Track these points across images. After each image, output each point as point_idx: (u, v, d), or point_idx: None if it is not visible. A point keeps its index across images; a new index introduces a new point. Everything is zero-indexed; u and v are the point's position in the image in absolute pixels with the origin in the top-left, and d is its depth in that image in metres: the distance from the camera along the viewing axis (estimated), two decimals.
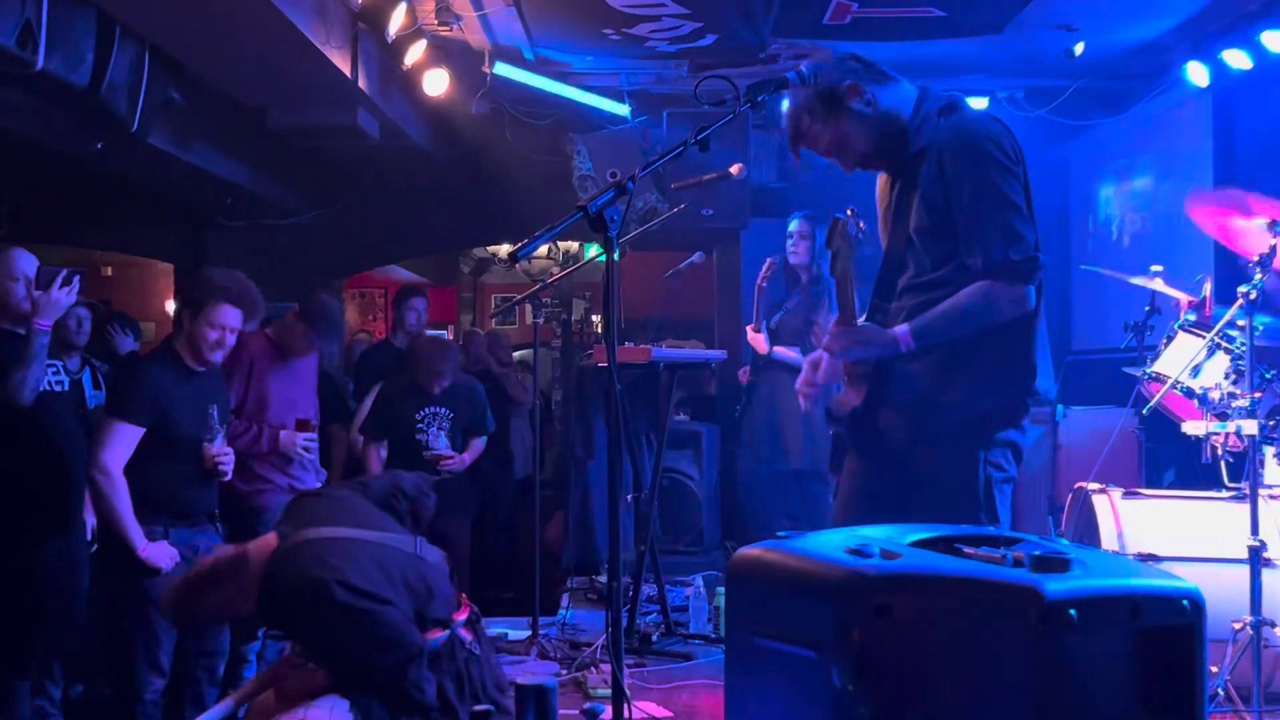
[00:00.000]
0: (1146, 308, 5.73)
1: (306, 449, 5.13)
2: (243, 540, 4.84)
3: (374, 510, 3.42)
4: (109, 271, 12.29)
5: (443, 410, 5.87)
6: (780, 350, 6.26)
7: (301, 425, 5.09)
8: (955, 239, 3.11)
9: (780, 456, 6.24)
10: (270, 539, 3.30)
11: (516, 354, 9.45)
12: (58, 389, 4.54)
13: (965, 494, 3.10)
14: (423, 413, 5.85)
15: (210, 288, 4.22)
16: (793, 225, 6.42)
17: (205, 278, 4.30)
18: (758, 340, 6.20)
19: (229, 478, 4.39)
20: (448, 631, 3.27)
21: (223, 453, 4.29)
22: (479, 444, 6.03)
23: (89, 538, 4.77)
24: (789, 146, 3.35)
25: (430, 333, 7.88)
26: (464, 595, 3.47)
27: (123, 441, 4.07)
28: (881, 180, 3.44)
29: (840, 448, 3.45)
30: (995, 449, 3.14)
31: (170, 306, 11.10)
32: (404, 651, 3.10)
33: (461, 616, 3.36)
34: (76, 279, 4.21)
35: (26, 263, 4.28)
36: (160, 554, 4.10)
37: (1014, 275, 3.06)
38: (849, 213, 3.23)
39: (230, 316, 4.24)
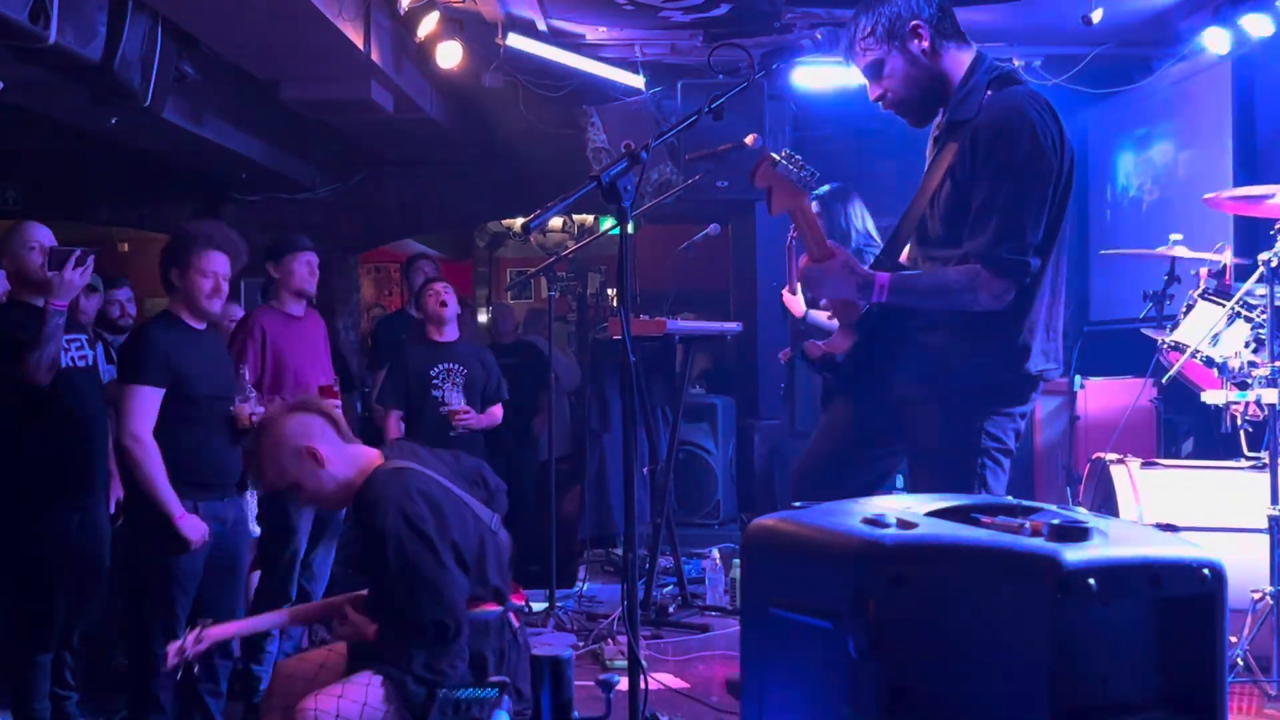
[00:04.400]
0: (1165, 276, 5.69)
1: None
2: (271, 517, 4.92)
3: (461, 477, 3.48)
4: (125, 247, 12.32)
5: (456, 366, 5.86)
6: (814, 314, 6.13)
7: (324, 391, 5.08)
8: (967, 216, 3.08)
9: None
10: (374, 453, 3.38)
11: None
12: (81, 364, 4.54)
13: (960, 458, 3.10)
14: (436, 369, 5.83)
15: (192, 238, 4.19)
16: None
17: (185, 232, 4.27)
18: (793, 303, 6.08)
19: None
20: (502, 609, 3.32)
21: (255, 412, 4.27)
22: (496, 410, 6.00)
23: (112, 511, 4.79)
24: (845, 49, 3.26)
25: None
26: (516, 584, 3.51)
27: (146, 405, 4.04)
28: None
29: (827, 396, 3.50)
30: (996, 420, 3.12)
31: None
32: (446, 614, 3.13)
33: (518, 601, 3.41)
34: (90, 259, 4.21)
35: (42, 234, 4.29)
36: (193, 526, 4.09)
37: (1001, 269, 3.02)
38: (783, 153, 3.17)
39: (218, 262, 4.20)
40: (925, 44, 3.12)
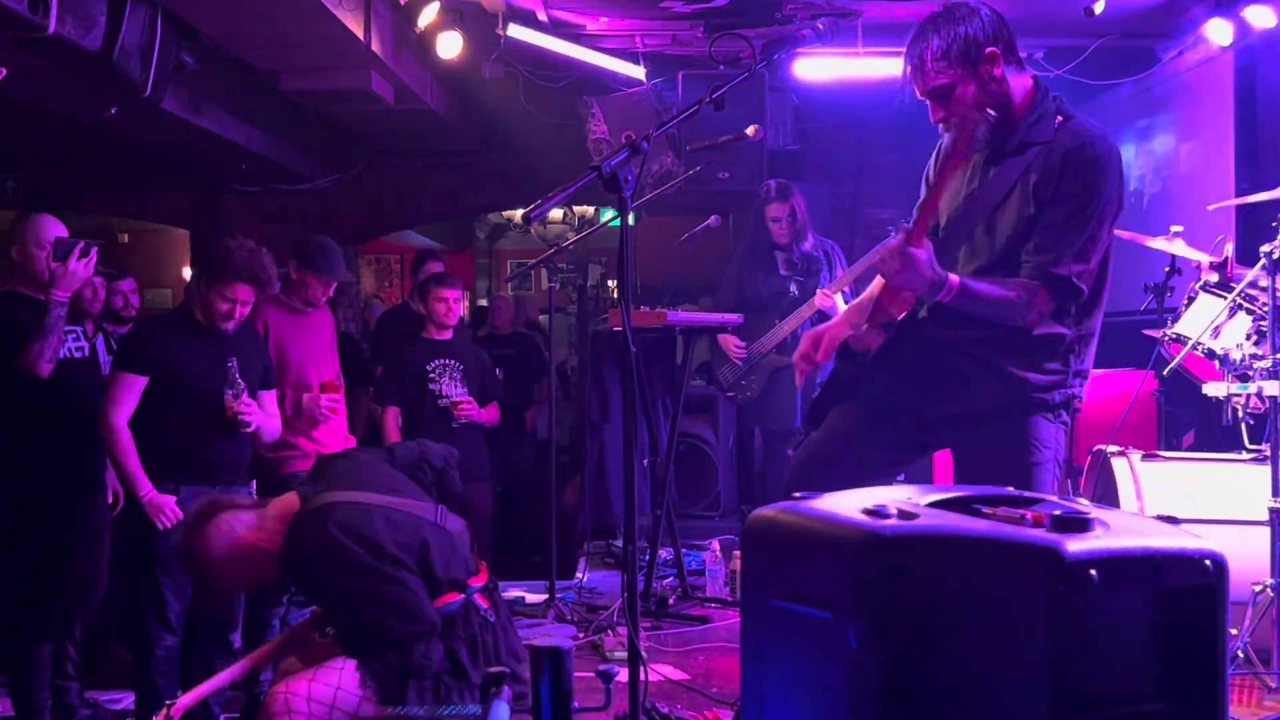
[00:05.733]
0: (1166, 268, 5.67)
1: (332, 410, 5.11)
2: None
3: (398, 475, 3.46)
4: (125, 239, 12.32)
5: (452, 361, 5.87)
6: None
7: (325, 386, 5.08)
8: (1033, 233, 3.09)
9: None
10: (292, 500, 3.34)
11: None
12: (78, 355, 4.55)
13: (1014, 463, 3.10)
14: (433, 364, 5.84)
15: (226, 264, 4.23)
16: (770, 210, 6.19)
17: (224, 252, 4.29)
18: (832, 303, 5.99)
19: (251, 429, 4.39)
20: (463, 597, 3.29)
21: (244, 404, 4.30)
22: (495, 409, 6.02)
23: (110, 500, 4.80)
24: (909, 73, 3.15)
25: None
26: (482, 562, 3.49)
27: (126, 393, 4.16)
28: (951, 154, 3.29)
29: (835, 393, 3.38)
30: (1050, 424, 3.16)
31: (187, 273, 11.12)
32: (418, 624, 3.13)
33: (477, 583, 3.38)
34: (94, 251, 4.21)
35: (57, 230, 4.30)
36: (159, 506, 4.12)
37: (1057, 290, 3.05)
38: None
39: (244, 293, 4.28)
40: (998, 70, 3.08)
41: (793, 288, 6.17)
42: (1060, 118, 3.12)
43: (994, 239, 3.16)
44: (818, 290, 5.98)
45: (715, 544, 5.77)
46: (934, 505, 2.20)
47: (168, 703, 3.31)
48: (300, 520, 3.21)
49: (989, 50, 3.06)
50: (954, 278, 3.05)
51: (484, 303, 11.90)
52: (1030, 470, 3.10)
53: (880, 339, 3.25)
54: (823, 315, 5.84)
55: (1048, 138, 3.09)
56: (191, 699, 3.44)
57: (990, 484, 2.66)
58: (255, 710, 4.64)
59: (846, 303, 5.86)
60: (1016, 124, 3.14)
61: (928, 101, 3.16)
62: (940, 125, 3.20)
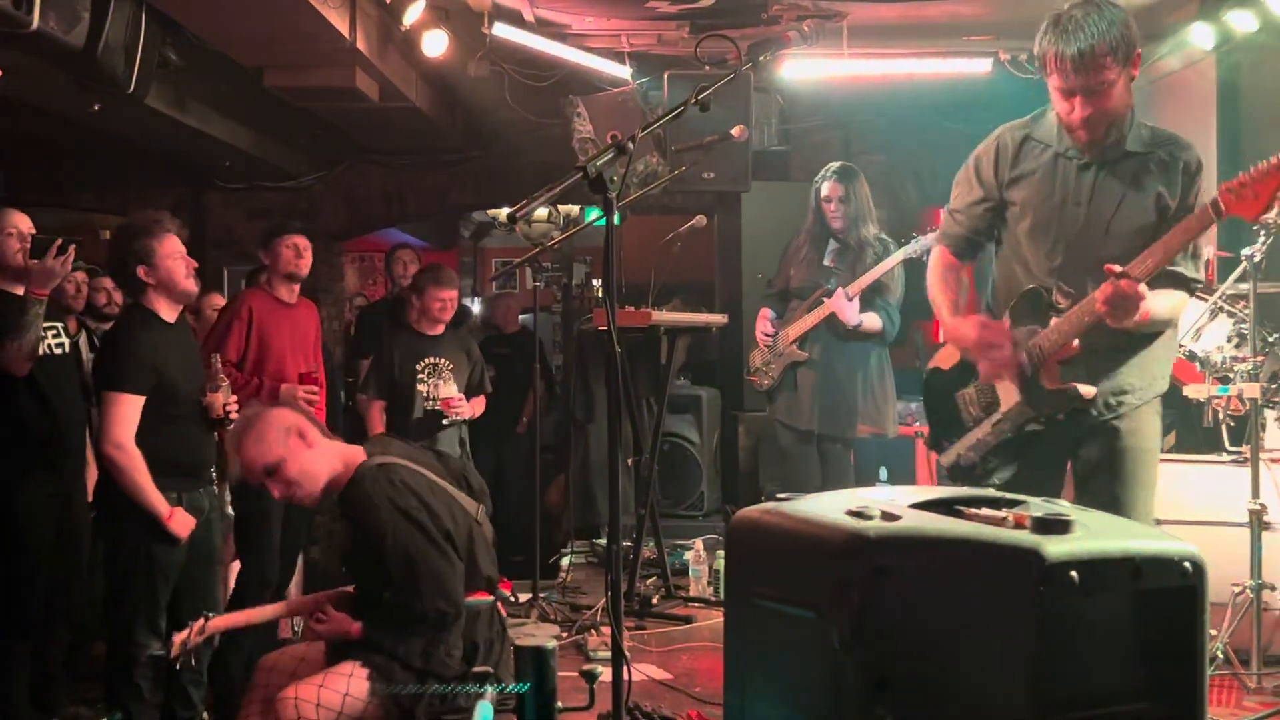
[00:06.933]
0: None
1: (310, 401, 5.09)
2: (249, 502, 4.89)
3: (447, 473, 3.51)
4: (107, 235, 12.24)
5: (442, 360, 5.86)
6: (869, 319, 5.83)
7: (304, 378, 5.06)
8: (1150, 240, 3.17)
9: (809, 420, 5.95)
10: (358, 450, 3.41)
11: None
12: (58, 351, 4.52)
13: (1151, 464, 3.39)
14: (423, 362, 5.83)
15: (147, 228, 4.12)
16: (824, 187, 5.86)
17: (136, 226, 4.18)
18: (848, 309, 5.70)
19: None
20: (492, 598, 3.35)
21: (231, 399, 4.27)
22: (479, 402, 6.01)
23: (88, 499, 4.77)
24: (1067, 58, 3.11)
25: None
26: (501, 575, 3.55)
27: (128, 412, 4.00)
28: (1009, 153, 3.44)
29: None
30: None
31: None
32: (446, 603, 3.14)
33: (504, 590, 3.45)
34: (72, 248, 4.17)
35: (19, 220, 4.26)
36: (182, 523, 4.08)
37: (1193, 295, 3.34)
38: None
39: (179, 243, 4.15)
40: (1136, 71, 3.18)
41: (834, 282, 5.81)
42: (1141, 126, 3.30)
43: (1115, 248, 3.23)
44: (837, 290, 5.74)
45: (699, 543, 5.77)
46: (916, 506, 2.21)
47: (206, 615, 3.34)
48: (368, 466, 3.27)
49: (1138, 51, 3.16)
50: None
51: (468, 301, 11.88)
52: None
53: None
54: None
55: (1148, 145, 3.26)
56: (228, 622, 3.49)
57: None
58: (226, 670, 4.65)
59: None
60: (1124, 128, 3.27)
61: (1078, 97, 3.17)
62: (1082, 122, 3.21)
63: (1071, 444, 3.43)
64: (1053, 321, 3.30)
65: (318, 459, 3.33)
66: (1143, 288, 3.05)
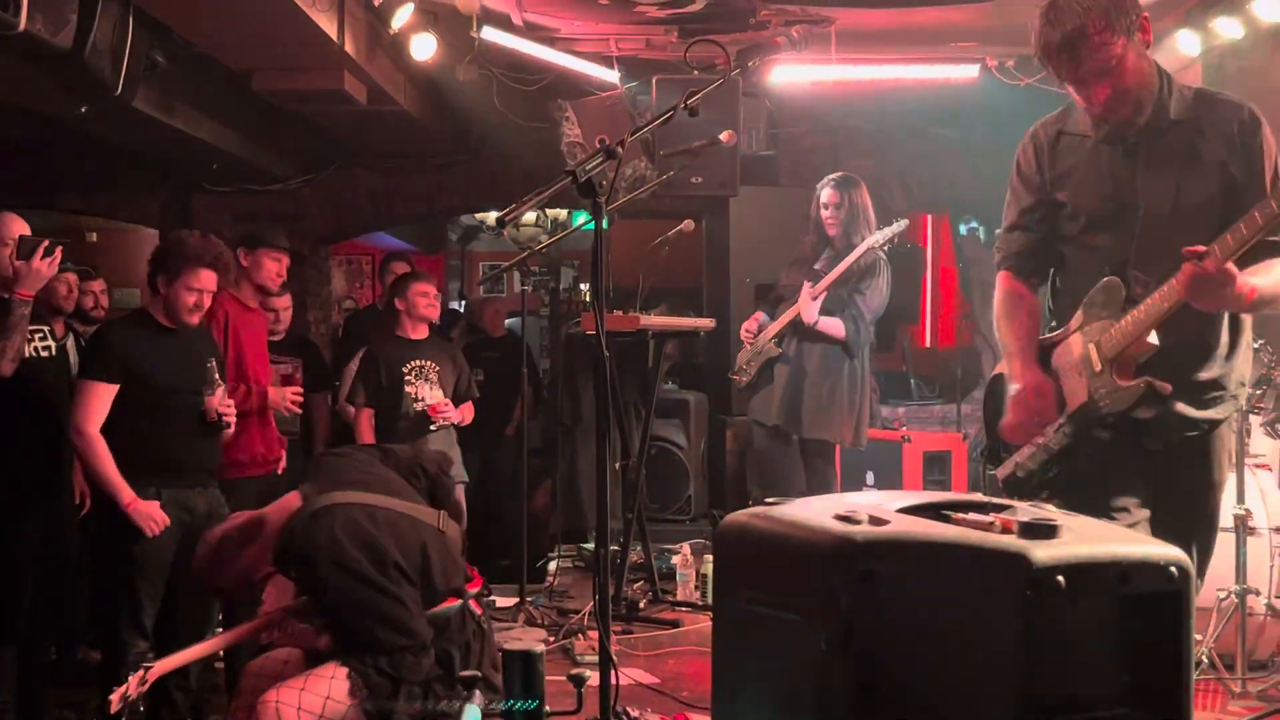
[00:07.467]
0: None
1: (297, 403, 5.11)
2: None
3: (394, 476, 3.43)
4: (94, 238, 12.19)
5: (428, 363, 5.86)
6: (825, 321, 5.83)
7: (288, 380, 5.07)
8: (1234, 211, 2.85)
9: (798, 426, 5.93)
10: (292, 498, 3.33)
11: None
12: (44, 354, 4.52)
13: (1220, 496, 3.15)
14: (409, 366, 5.83)
15: (185, 254, 4.22)
16: (823, 194, 5.88)
17: (181, 242, 4.28)
18: (810, 308, 5.69)
19: (232, 429, 4.38)
20: (461, 602, 3.30)
21: (225, 403, 4.29)
22: (468, 408, 6.02)
23: (76, 502, 4.76)
24: (1058, 47, 3.01)
25: None
26: (473, 568, 3.49)
27: (95, 401, 4.09)
28: (1046, 151, 3.22)
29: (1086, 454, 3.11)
30: None
31: None
32: (408, 639, 3.12)
33: (472, 589, 3.40)
34: (59, 250, 4.18)
35: (18, 228, 4.26)
36: (147, 512, 4.08)
37: None
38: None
39: (206, 280, 4.27)
40: (1149, 37, 3.00)
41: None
42: (1178, 89, 3.07)
43: (1184, 228, 2.95)
44: (803, 288, 5.75)
45: (686, 548, 5.77)
46: (904, 511, 2.21)
47: (145, 665, 3.25)
48: (303, 519, 3.17)
49: (1143, 15, 2.98)
50: (1246, 283, 2.86)
51: (456, 305, 11.86)
52: None
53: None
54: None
55: (1189, 114, 3.02)
56: (170, 664, 3.39)
57: None
58: (237, 679, 4.64)
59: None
60: (1153, 99, 3.04)
61: (1090, 82, 2.99)
62: (1101, 108, 3.02)
63: (1144, 460, 3.07)
64: (1130, 313, 2.99)
65: (264, 553, 3.30)
66: (1231, 266, 2.75)
